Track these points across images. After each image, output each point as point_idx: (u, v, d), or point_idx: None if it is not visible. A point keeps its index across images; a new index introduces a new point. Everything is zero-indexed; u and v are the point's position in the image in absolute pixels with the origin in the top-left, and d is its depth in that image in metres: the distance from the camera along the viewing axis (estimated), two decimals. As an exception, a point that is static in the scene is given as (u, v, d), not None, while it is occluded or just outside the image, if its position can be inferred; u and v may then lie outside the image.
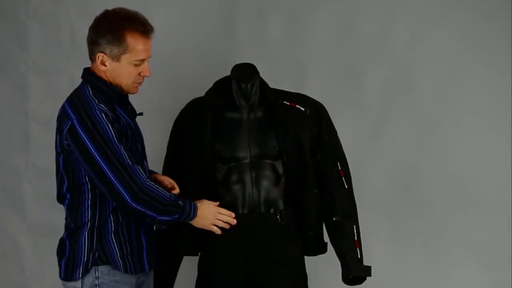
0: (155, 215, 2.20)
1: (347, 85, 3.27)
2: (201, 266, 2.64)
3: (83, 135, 2.18)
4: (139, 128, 2.42)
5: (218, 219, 2.39)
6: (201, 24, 3.33)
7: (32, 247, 3.39)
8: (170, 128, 2.70)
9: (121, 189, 2.16)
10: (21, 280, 3.42)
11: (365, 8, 3.26)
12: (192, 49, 3.32)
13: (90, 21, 2.35)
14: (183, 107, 2.72)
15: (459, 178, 3.20)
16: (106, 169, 2.16)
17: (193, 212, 2.30)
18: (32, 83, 3.39)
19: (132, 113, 2.40)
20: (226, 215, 2.40)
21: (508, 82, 3.16)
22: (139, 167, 2.19)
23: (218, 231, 2.41)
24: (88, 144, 2.17)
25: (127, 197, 2.17)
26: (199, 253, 2.66)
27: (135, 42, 2.25)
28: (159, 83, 3.28)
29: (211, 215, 2.37)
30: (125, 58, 2.26)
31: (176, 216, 2.24)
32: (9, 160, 3.41)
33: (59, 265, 2.32)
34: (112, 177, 2.16)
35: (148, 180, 2.20)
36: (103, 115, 2.19)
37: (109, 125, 2.19)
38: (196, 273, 2.65)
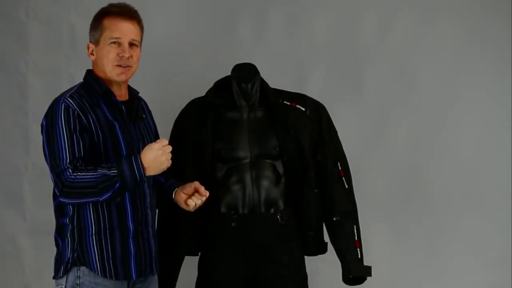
0: (96, 198, 2.17)
1: (347, 85, 3.27)
2: (201, 266, 2.64)
3: (44, 127, 2.24)
4: (140, 131, 2.38)
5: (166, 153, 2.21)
6: (201, 24, 3.33)
7: (32, 247, 3.38)
8: (170, 128, 2.70)
9: (53, 184, 2.21)
10: (21, 280, 3.41)
11: (365, 8, 3.27)
12: (192, 49, 3.31)
13: (90, 21, 2.36)
14: (183, 107, 2.72)
15: (459, 178, 3.21)
16: (49, 163, 2.22)
17: (137, 167, 2.16)
18: (32, 83, 3.39)
19: (131, 115, 2.37)
20: (164, 144, 2.21)
21: (509, 82, 3.17)
22: (69, 166, 2.15)
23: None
24: (44, 136, 2.23)
25: (57, 193, 2.20)
26: (199, 253, 2.66)
27: (109, 23, 2.30)
28: (159, 83, 3.28)
29: (158, 157, 2.19)
30: (102, 39, 2.30)
31: (118, 185, 2.15)
32: (9, 160, 3.40)
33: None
34: (50, 170, 2.22)
35: (73, 174, 2.14)
36: (63, 106, 2.21)
37: (63, 118, 2.19)
38: (196, 273, 2.65)
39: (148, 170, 2.19)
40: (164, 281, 2.60)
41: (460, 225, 3.21)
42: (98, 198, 2.17)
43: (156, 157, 2.19)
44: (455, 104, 3.22)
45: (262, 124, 2.61)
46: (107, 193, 2.16)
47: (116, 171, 2.16)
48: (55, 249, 2.34)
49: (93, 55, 2.33)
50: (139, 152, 2.29)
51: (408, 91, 3.24)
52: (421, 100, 3.23)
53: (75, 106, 2.22)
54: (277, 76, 2.88)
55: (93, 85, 2.30)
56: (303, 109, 2.65)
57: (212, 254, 2.59)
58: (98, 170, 2.16)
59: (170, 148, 2.22)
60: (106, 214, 2.25)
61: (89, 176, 2.15)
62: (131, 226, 2.28)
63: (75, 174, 2.15)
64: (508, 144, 3.18)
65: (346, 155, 2.70)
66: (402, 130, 3.25)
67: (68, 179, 2.15)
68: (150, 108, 2.55)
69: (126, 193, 2.25)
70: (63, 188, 2.16)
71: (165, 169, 2.24)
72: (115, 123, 2.29)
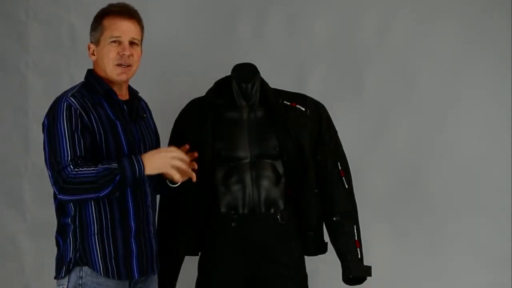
0: (96, 195, 2.16)
1: (347, 85, 3.28)
2: (201, 266, 2.64)
3: (46, 126, 2.24)
4: (141, 130, 2.38)
5: (175, 160, 2.21)
6: (201, 24, 3.33)
7: (32, 247, 3.39)
8: (170, 128, 2.70)
9: (52, 182, 2.19)
10: (21, 280, 3.41)
11: (365, 8, 3.27)
12: (192, 49, 3.32)
13: (90, 21, 2.36)
14: (183, 107, 2.72)
15: (459, 178, 3.21)
16: (48, 160, 2.21)
17: (137, 163, 2.17)
18: (32, 83, 3.39)
19: (132, 114, 2.37)
20: (179, 156, 2.22)
21: (509, 82, 3.17)
22: (70, 163, 2.15)
23: (179, 178, 2.23)
24: (45, 134, 2.23)
25: (56, 191, 2.19)
26: (199, 253, 2.66)
27: (109, 22, 2.31)
28: (159, 83, 3.28)
29: (158, 154, 2.21)
30: (102, 39, 2.31)
31: (118, 178, 2.15)
32: (9, 160, 3.41)
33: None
34: (49, 168, 2.20)
35: (74, 170, 2.14)
36: (65, 105, 2.21)
37: (65, 117, 2.19)
38: (196, 273, 2.65)
39: (146, 165, 2.18)
40: (164, 281, 2.60)
41: (460, 225, 3.20)
42: (98, 194, 2.16)
43: (156, 153, 2.21)
44: (455, 104, 3.22)
45: (262, 124, 2.61)
46: (107, 188, 2.15)
47: (116, 164, 2.16)
48: (55, 249, 2.34)
49: (94, 55, 2.34)
50: (139, 152, 2.30)
51: (408, 91, 3.24)
52: (421, 100, 3.23)
53: (77, 105, 2.22)
54: (277, 76, 2.88)
55: (95, 85, 2.30)
56: (303, 109, 2.65)
57: (212, 254, 2.59)
58: (99, 165, 2.16)
59: (178, 155, 2.20)
60: (108, 213, 2.25)
61: (90, 171, 2.15)
62: (133, 225, 2.28)
63: (76, 170, 2.15)
64: (508, 144, 3.18)
65: (346, 155, 2.70)
66: (402, 130, 3.25)
67: (69, 175, 2.15)
68: (150, 108, 2.55)
69: (128, 192, 2.25)
70: (64, 185, 2.16)
71: (162, 173, 2.22)
72: (117, 122, 2.29)
